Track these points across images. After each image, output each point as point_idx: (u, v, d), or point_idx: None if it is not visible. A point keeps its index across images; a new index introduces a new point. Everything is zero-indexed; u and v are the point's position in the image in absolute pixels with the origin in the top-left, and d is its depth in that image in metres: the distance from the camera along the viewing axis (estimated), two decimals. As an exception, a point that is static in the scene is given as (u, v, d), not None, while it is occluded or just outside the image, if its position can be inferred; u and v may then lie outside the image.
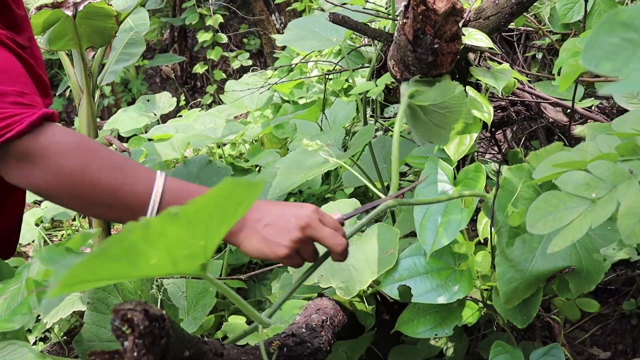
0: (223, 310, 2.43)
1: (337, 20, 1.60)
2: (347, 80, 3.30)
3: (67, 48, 2.26)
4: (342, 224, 1.19)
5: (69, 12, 2.08)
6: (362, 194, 2.96)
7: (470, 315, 1.48)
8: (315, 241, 1.12)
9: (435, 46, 1.19)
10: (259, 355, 1.09)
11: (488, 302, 1.59)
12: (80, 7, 2.08)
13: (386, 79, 1.72)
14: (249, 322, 2.26)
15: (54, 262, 0.84)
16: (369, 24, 1.73)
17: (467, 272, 1.40)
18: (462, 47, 1.30)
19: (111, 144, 2.29)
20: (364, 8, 1.78)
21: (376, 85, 1.77)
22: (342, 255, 1.13)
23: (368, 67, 2.08)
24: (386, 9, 2.01)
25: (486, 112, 1.50)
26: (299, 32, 1.97)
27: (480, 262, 1.38)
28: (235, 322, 2.16)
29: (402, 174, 3.01)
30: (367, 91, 1.81)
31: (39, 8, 2.06)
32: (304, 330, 1.24)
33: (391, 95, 3.51)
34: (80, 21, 2.13)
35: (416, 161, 1.57)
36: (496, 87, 1.48)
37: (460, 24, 1.24)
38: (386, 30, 1.71)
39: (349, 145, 1.73)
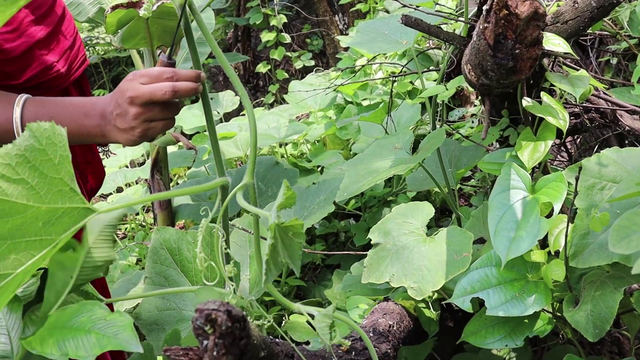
0: (283, 309, 2.44)
1: (410, 22, 1.58)
2: (411, 82, 3.27)
3: (139, 46, 2.31)
4: (171, 63, 1.21)
5: (142, 12, 2.12)
6: (424, 197, 2.93)
7: (541, 326, 1.44)
8: (149, 104, 1.15)
9: (517, 51, 1.16)
10: (328, 357, 1.08)
11: (558, 313, 1.55)
12: (154, 7, 2.12)
13: (457, 82, 1.70)
14: (310, 322, 2.25)
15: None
16: (440, 26, 1.71)
17: (542, 283, 1.37)
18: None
19: (178, 141, 2.33)
20: (435, 11, 1.76)
21: (446, 89, 1.75)
22: (182, 93, 1.16)
23: (436, 70, 2.06)
24: (457, 11, 1.99)
25: (562, 119, 1.46)
26: (368, 35, 1.96)
27: (555, 270, 1.34)
28: (297, 321, 2.16)
29: (466, 179, 2.97)
30: (436, 95, 1.79)
31: (114, 7, 2.11)
32: (371, 334, 1.23)
33: (456, 99, 3.48)
34: (152, 21, 2.17)
35: (488, 167, 1.54)
36: (574, 94, 1.44)
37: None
38: (459, 34, 1.69)
39: (419, 149, 1.72)
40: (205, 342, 0.72)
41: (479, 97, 3.39)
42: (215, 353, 0.71)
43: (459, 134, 1.96)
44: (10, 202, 0.88)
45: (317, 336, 2.00)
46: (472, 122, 3.16)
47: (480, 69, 1.28)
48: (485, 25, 1.16)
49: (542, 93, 1.50)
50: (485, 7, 1.15)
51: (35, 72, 1.38)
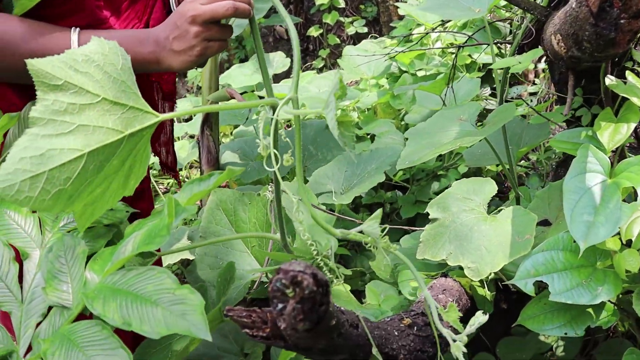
0: (324, 277, 2.41)
1: (491, -13, 1.50)
2: (469, 55, 3.17)
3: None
4: None
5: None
6: (473, 174, 2.85)
7: (604, 317, 1.37)
8: (209, 22, 1.19)
9: (622, 21, 1.07)
10: (390, 331, 1.03)
11: (621, 306, 1.48)
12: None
13: (533, 54, 1.61)
14: (353, 291, 2.21)
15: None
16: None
17: (611, 272, 1.30)
18: None
19: (233, 97, 2.28)
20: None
21: (519, 63, 1.66)
22: (241, 12, 1.19)
23: (508, 42, 1.97)
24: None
25: (648, 101, 1.37)
26: (440, 1, 1.87)
27: (629, 259, 1.27)
28: (339, 289, 2.12)
29: (525, 158, 2.88)
30: (508, 67, 1.71)
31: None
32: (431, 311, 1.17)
33: (513, 76, 3.36)
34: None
35: (561, 145, 1.46)
36: (663, 75, 1.35)
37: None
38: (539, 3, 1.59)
39: (486, 122, 1.64)
40: (280, 305, 0.67)
41: (540, 76, 3.28)
42: (292, 318, 0.67)
43: (532, 108, 1.87)
44: (79, 87, 0.92)
45: (361, 307, 1.96)
46: (531, 100, 3.05)
47: (573, 40, 1.20)
48: (591, -10, 1.08)
49: (627, 72, 1.41)
50: (591, -29, 1.07)
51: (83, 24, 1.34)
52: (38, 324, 0.93)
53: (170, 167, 1.75)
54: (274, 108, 1.11)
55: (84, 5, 1.31)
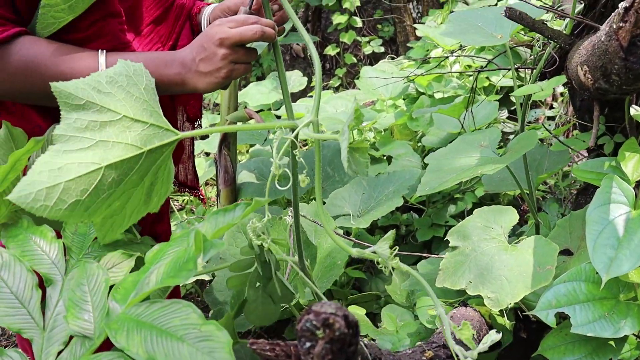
0: (340, 300, 2.39)
1: (514, 16, 1.50)
2: (487, 78, 3.16)
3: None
4: (252, 11, 1.30)
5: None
6: (490, 199, 2.83)
7: (627, 350, 1.35)
8: (236, 45, 1.21)
9: (652, 55, 1.07)
10: (411, 364, 1.02)
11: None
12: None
13: (556, 82, 1.60)
14: (367, 314, 2.20)
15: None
16: (544, 22, 1.62)
17: (634, 305, 1.28)
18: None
19: (251, 118, 2.29)
20: (539, 6, 1.66)
21: (541, 90, 1.65)
22: (267, 36, 1.21)
23: (530, 67, 1.96)
24: (557, 7, 1.88)
25: (674, 131, 1.36)
26: (461, 25, 1.87)
27: (654, 295, 1.25)
28: (355, 313, 2.11)
29: (544, 182, 2.86)
30: (530, 95, 1.70)
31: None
32: (453, 342, 1.16)
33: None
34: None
35: (584, 175, 1.45)
36: (689, 106, 1.33)
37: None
38: (563, 31, 1.59)
39: (508, 149, 1.63)
40: (309, 343, 0.66)
41: (559, 100, 3.26)
42: (320, 358, 0.66)
43: (555, 137, 1.86)
44: (101, 106, 0.97)
45: (377, 332, 1.95)
46: (549, 125, 3.04)
47: (601, 72, 1.19)
48: (621, 25, 1.07)
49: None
50: (624, 5, 1.06)
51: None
52: (60, 352, 0.92)
53: (190, 185, 1.74)
54: (292, 129, 1.11)
55: (108, 29, 1.32)
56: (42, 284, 1.01)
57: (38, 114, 1.30)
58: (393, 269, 0.89)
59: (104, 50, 1.25)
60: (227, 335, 0.74)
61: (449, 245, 1.57)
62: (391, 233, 0.94)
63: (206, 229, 0.94)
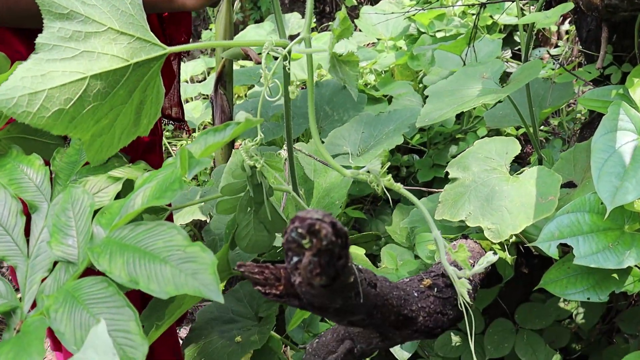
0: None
1: (520, -64, 1.42)
2: (491, 17, 3.08)
3: None
4: None
5: None
6: (494, 135, 2.78)
7: (630, 282, 1.32)
8: None
9: (666, -36, 1.00)
10: (409, 292, 0.99)
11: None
12: None
13: (562, 9, 1.53)
14: (368, 255, 2.18)
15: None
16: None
17: (639, 236, 1.24)
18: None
19: (248, 55, 2.22)
20: None
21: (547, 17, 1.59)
22: None
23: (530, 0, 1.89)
24: None
25: (683, 57, 1.30)
26: (463, -48, 1.79)
27: (660, 225, 1.21)
28: (355, 253, 2.08)
29: (545, 123, 2.81)
30: (533, 24, 1.63)
31: None
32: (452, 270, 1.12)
33: (534, 39, 3.27)
34: None
35: (590, 103, 1.40)
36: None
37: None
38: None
39: (510, 80, 1.57)
40: (296, 258, 0.63)
41: (563, 38, 3.18)
42: (308, 272, 0.62)
43: (561, 65, 1.80)
44: (85, 17, 0.94)
45: (377, 271, 1.92)
46: (553, 63, 2.97)
47: (611, -14, 1.13)
48: None
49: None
50: None
51: None
52: (44, 279, 0.89)
53: (175, 117, 1.69)
54: (284, 47, 1.06)
55: None
56: (27, 210, 0.97)
57: (19, 38, 1.25)
58: (386, 189, 0.85)
59: None
60: (212, 256, 0.70)
61: (449, 177, 1.53)
62: (383, 151, 0.90)
63: (195, 149, 0.90)
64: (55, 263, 0.89)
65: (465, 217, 1.41)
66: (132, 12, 0.97)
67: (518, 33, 3.07)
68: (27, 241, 0.95)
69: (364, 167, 2.16)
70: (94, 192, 1.00)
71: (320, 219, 0.60)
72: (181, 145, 3.44)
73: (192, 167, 0.78)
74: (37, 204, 0.99)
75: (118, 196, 1.01)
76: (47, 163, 1.09)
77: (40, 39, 0.93)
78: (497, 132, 2.73)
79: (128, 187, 1.04)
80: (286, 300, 0.80)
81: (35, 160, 1.07)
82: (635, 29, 1.34)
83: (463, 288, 1.04)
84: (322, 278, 0.63)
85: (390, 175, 0.90)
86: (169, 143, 3.31)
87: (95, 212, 0.91)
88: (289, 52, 1.01)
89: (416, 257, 2.02)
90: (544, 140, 2.83)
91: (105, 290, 0.78)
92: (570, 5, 1.49)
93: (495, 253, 1.49)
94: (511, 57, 3.05)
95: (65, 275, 0.85)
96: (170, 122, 1.67)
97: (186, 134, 1.79)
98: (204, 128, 3.43)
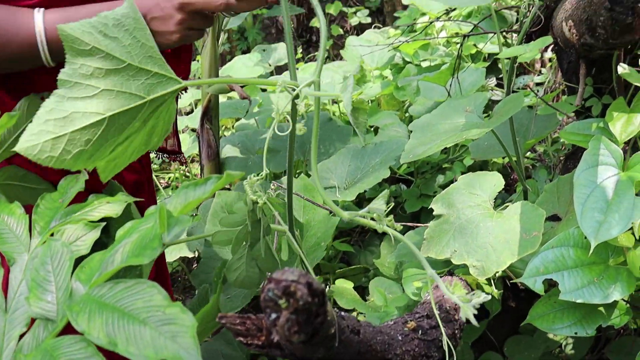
0: (328, 274, 2.36)
1: (497, -26, 1.44)
2: (475, 45, 3.10)
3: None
4: None
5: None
6: (479, 168, 2.79)
7: (617, 316, 1.32)
8: (196, 13, 1.15)
9: (639, 4, 1.02)
10: (393, 335, 0.98)
11: (634, 304, 1.43)
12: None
13: (542, 43, 1.55)
14: (356, 288, 2.17)
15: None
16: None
17: (624, 270, 1.24)
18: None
19: (232, 90, 2.23)
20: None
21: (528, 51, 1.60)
22: (232, 7, 1.15)
23: (515, 31, 1.91)
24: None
25: (662, 91, 1.31)
26: (444, -12, 1.81)
27: (643, 258, 1.21)
28: (343, 287, 2.07)
29: (532, 150, 2.82)
30: (516, 57, 1.65)
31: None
32: (437, 311, 1.12)
33: (519, 67, 3.30)
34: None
35: (571, 137, 1.41)
36: (679, 63, 1.29)
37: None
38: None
39: (493, 113, 1.58)
40: (274, 314, 0.62)
41: (547, 65, 3.21)
42: (286, 330, 0.61)
43: (541, 98, 1.81)
44: (107, 53, 0.98)
45: (365, 306, 1.91)
46: (537, 91, 2.99)
47: (586, 26, 1.14)
48: (604, -26, 1.02)
49: (640, 60, 1.35)
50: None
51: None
52: (22, 335, 0.88)
53: (169, 150, 1.68)
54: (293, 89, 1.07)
55: None
56: (5, 262, 0.96)
57: (4, 89, 1.24)
58: (388, 227, 0.85)
59: (41, 8, 1.14)
60: (192, 318, 0.70)
61: (434, 213, 1.53)
62: (386, 191, 0.91)
63: (175, 204, 0.90)
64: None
65: (451, 254, 1.41)
66: (151, 42, 1.02)
67: (502, 61, 3.10)
68: (5, 295, 0.94)
69: (350, 199, 2.16)
70: (71, 241, 0.99)
71: (296, 280, 0.60)
72: (169, 179, 3.43)
73: (171, 227, 0.77)
74: (15, 257, 0.98)
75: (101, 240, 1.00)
76: (29, 209, 1.08)
77: (62, 75, 0.97)
78: (484, 162, 2.74)
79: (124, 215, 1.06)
80: (268, 350, 0.80)
81: (16, 209, 1.07)
82: (613, 62, 1.35)
83: (469, 314, 1.04)
84: (300, 335, 0.63)
85: (392, 216, 0.90)
86: (156, 177, 3.30)
87: (76, 261, 0.91)
88: (298, 94, 1.02)
89: (404, 290, 2.01)
90: (531, 167, 2.84)
91: (84, 350, 0.77)
92: (549, 39, 1.51)
93: (484, 291, 1.49)
94: (496, 85, 3.08)
95: (44, 332, 0.84)
96: (165, 155, 1.67)
97: (183, 164, 1.79)
98: (192, 161, 3.43)
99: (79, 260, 0.88)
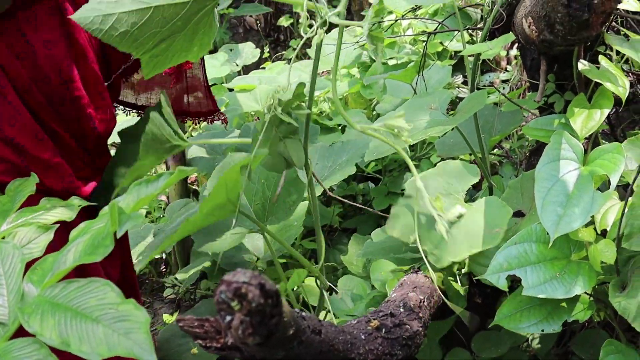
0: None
1: (459, -29, 1.44)
2: (441, 43, 3.11)
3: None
4: None
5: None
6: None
7: (581, 310, 1.33)
8: None
9: (595, 1, 1.02)
10: (356, 335, 0.98)
11: (597, 297, 1.44)
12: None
13: (504, 40, 1.56)
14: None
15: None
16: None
17: (585, 264, 1.25)
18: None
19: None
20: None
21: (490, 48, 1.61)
22: None
23: (478, 28, 1.92)
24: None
25: (621, 87, 1.32)
26: (407, -15, 1.81)
27: (605, 251, 1.22)
28: (313, 285, 2.06)
29: (498, 146, 2.84)
30: (479, 54, 1.65)
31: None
32: (402, 310, 1.12)
33: (485, 64, 3.32)
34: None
35: (534, 133, 1.42)
36: (637, 59, 1.30)
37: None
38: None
39: (457, 110, 1.59)
40: (228, 317, 0.61)
41: (513, 63, 3.24)
42: (240, 332, 0.60)
43: (504, 95, 1.82)
44: None
45: (332, 302, 1.90)
46: (503, 88, 3.01)
47: (545, 22, 1.14)
48: (561, -31, 1.02)
49: (600, 57, 1.37)
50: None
51: None
52: (-25, 340, 0.85)
53: (206, 112, 1.74)
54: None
55: None
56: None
57: None
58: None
59: None
60: (146, 314, 0.68)
61: (405, 192, 1.51)
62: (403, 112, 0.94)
63: (128, 201, 0.88)
64: (-14, 323, 0.86)
65: (412, 238, 1.40)
66: None
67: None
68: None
69: (317, 195, 2.15)
70: (23, 244, 0.97)
71: (247, 282, 0.59)
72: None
73: (122, 223, 0.76)
74: (-33, 260, 0.95)
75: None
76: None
77: None
78: (450, 158, 2.75)
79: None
80: (228, 353, 0.78)
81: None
82: (573, 59, 1.36)
83: (442, 230, 1.23)
84: (254, 338, 0.61)
85: (295, 40, 0.96)
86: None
87: (28, 265, 0.88)
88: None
89: (373, 287, 2.01)
90: (498, 164, 2.86)
91: (37, 352, 0.75)
92: (511, 36, 1.51)
93: (450, 287, 1.49)
94: (462, 83, 3.09)
95: (-5, 336, 0.82)
96: (193, 119, 1.69)
97: (225, 123, 1.82)
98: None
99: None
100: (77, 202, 1.11)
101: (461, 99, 3.09)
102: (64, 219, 1.02)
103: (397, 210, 1.46)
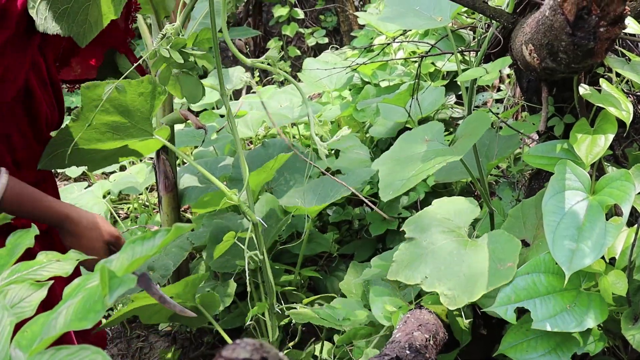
0: (294, 302, 2.29)
1: (453, -4, 1.41)
2: (433, 64, 3.09)
3: (144, 13, 2.14)
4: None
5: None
6: (442, 187, 2.76)
7: (591, 342, 1.29)
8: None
9: (600, 29, 0.99)
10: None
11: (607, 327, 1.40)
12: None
13: (501, 64, 1.52)
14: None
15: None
16: (485, 1, 1.54)
17: (596, 295, 1.21)
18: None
19: (187, 119, 2.16)
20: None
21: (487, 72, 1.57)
22: None
23: (474, 50, 1.89)
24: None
25: (624, 110, 1.29)
26: (399, 10, 1.77)
27: (615, 282, 1.18)
28: (311, 315, 2.01)
29: (496, 166, 2.80)
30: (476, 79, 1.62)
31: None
32: (407, 352, 1.07)
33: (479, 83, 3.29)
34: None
35: (536, 161, 1.38)
36: (639, 82, 1.27)
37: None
38: (505, 10, 1.51)
39: (456, 136, 1.54)
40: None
41: (506, 82, 3.21)
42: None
43: (503, 121, 1.79)
44: None
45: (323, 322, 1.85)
46: (497, 107, 2.98)
47: (548, 50, 1.11)
48: (565, -2, 0.99)
49: (601, 80, 1.33)
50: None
51: None
52: (-41, 410, 0.80)
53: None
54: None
55: None
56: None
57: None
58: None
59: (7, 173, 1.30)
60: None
61: (405, 236, 1.48)
62: (279, 43, 0.93)
63: (122, 261, 0.83)
64: (-29, 390, 0.80)
65: (421, 280, 1.36)
66: None
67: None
68: (-58, 363, 0.86)
69: (315, 222, 2.11)
70: (15, 303, 0.92)
71: (249, 358, 0.54)
72: (128, 209, 3.33)
73: (113, 289, 0.71)
74: (-48, 320, 0.90)
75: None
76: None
77: None
78: (448, 182, 2.71)
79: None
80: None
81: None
82: (574, 84, 1.33)
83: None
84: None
85: (284, 62, 0.91)
86: (114, 208, 3.21)
87: (18, 325, 0.83)
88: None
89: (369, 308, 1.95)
90: (495, 184, 2.82)
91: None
92: (508, 60, 1.48)
93: (454, 322, 1.44)
94: (455, 103, 3.06)
95: (-20, 405, 0.76)
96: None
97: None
98: (150, 190, 3.34)
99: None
100: (74, 256, 1.07)
101: (455, 119, 3.06)
102: (59, 274, 0.97)
103: (400, 255, 1.42)
